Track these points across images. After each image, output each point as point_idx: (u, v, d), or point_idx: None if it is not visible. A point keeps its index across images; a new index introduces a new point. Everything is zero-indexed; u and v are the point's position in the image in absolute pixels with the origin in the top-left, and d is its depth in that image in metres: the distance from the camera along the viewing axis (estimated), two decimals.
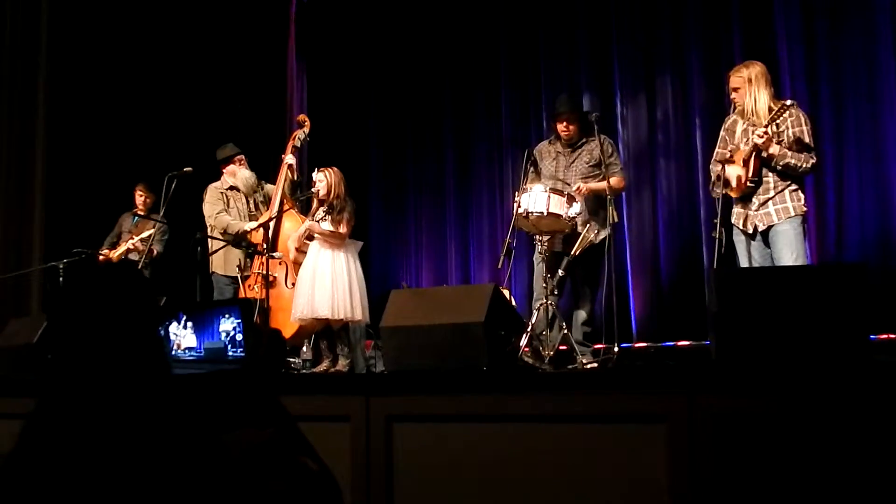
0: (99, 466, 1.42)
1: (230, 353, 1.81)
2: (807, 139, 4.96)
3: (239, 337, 1.84)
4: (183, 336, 1.84)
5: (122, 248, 6.97)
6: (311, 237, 5.85)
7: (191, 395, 1.56)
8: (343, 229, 5.70)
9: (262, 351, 1.74)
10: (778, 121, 4.92)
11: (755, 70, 5.08)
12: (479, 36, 8.89)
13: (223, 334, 1.83)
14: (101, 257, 6.97)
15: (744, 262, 5.11)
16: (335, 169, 5.88)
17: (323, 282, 5.61)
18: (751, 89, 5.05)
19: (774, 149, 4.90)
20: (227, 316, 1.84)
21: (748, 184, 5.01)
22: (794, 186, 4.99)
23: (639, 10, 8.04)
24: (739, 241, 5.15)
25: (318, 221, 5.74)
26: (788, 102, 4.94)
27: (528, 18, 8.63)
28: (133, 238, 6.95)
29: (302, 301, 5.66)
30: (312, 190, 6.03)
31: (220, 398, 1.65)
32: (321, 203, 5.81)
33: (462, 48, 8.99)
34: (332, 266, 5.64)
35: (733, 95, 5.15)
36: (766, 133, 4.87)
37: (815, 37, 7.13)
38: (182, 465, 1.44)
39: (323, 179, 5.79)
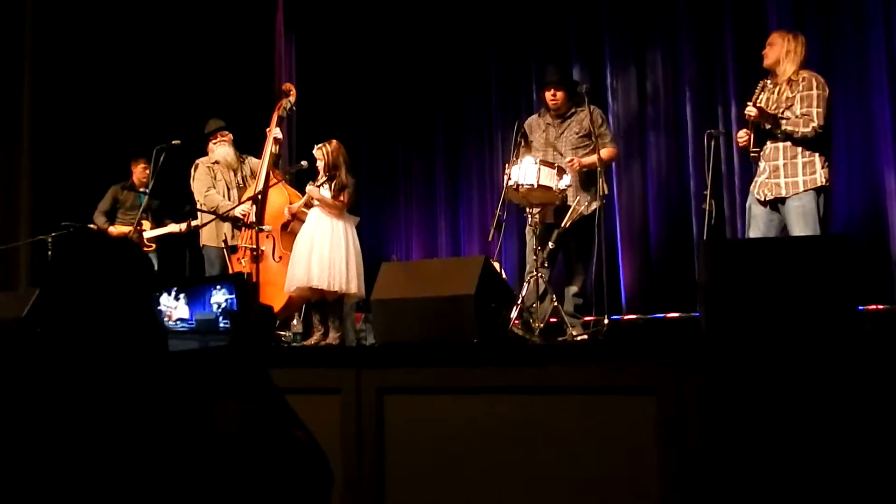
0: (89, 438, 1.42)
1: (221, 325, 1.82)
2: (813, 103, 4.92)
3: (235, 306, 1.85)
4: (175, 307, 1.85)
5: (164, 230, 6.90)
6: (309, 205, 5.80)
7: (181, 370, 1.57)
8: (343, 198, 5.66)
9: (251, 324, 1.74)
10: (791, 91, 4.96)
11: (796, 44, 5.09)
12: (470, 8, 8.83)
13: (214, 305, 1.84)
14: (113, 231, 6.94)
15: (753, 232, 5.10)
16: (333, 141, 5.80)
17: (321, 252, 5.55)
18: (783, 56, 5.07)
19: (771, 120, 4.94)
20: (218, 287, 1.85)
21: (751, 154, 5.08)
22: (807, 157, 4.91)
23: None
24: (748, 207, 5.17)
25: (318, 187, 5.68)
26: (805, 74, 4.98)
27: None
28: (180, 225, 6.84)
29: (299, 270, 5.61)
30: (302, 164, 6.00)
31: (209, 373, 1.65)
32: (320, 174, 5.75)
33: (452, 20, 8.92)
34: (331, 236, 5.59)
35: (766, 50, 5.17)
36: (753, 107, 4.94)
37: (805, 9, 7.10)
38: (173, 436, 1.44)
39: (321, 158, 5.73)
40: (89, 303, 1.53)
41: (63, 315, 1.53)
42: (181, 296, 1.83)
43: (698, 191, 7.14)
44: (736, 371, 2.89)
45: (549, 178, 5.27)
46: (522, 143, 5.73)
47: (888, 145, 6.64)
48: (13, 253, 7.19)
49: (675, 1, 7.75)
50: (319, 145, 5.78)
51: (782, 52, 5.05)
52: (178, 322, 1.82)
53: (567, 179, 5.36)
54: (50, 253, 6.57)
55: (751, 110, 4.96)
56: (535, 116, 5.98)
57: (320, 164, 5.72)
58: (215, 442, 1.48)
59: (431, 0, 8.96)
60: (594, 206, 5.54)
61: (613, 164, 6.60)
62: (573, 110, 5.77)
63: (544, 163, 5.34)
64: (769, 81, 5.13)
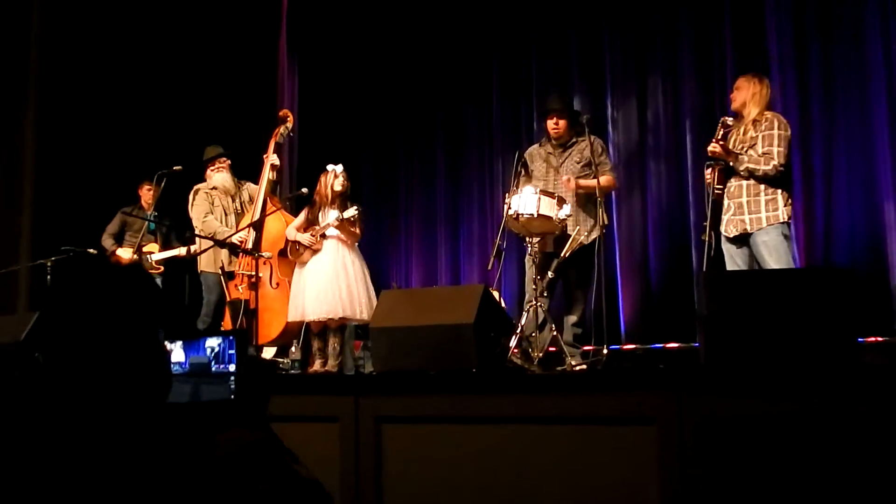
0: (88, 464, 1.41)
1: (214, 368, 1.87)
2: (774, 142, 5.06)
3: (227, 353, 1.90)
4: (171, 351, 1.90)
5: (170, 253, 6.92)
6: (323, 234, 5.78)
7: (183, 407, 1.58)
8: (358, 229, 5.74)
9: (251, 376, 1.78)
10: (755, 130, 5.11)
11: (761, 87, 5.26)
12: (471, 36, 8.90)
13: (208, 350, 1.89)
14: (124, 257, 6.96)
15: (728, 266, 5.18)
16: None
17: (348, 282, 5.65)
18: (749, 99, 5.23)
19: (732, 157, 5.10)
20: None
21: (716, 191, 5.19)
22: (770, 195, 5.06)
23: (630, 11, 8.05)
24: (723, 243, 5.24)
25: (344, 221, 5.68)
26: (769, 114, 5.16)
27: (519, 19, 8.63)
28: (180, 249, 6.88)
29: (325, 300, 5.62)
30: (303, 190, 6.01)
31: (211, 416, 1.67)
32: (334, 200, 5.76)
33: (454, 48, 8.99)
34: (353, 265, 5.71)
35: (733, 94, 5.34)
36: (716, 145, 5.10)
37: (806, 41, 7.15)
38: (173, 466, 1.43)
39: (348, 179, 5.80)
40: (90, 329, 1.53)
41: (64, 341, 1.53)
42: (178, 339, 1.88)
43: (698, 221, 7.14)
44: (737, 402, 2.88)
45: (549, 207, 5.27)
46: (523, 173, 5.74)
47: (888, 177, 6.65)
48: (13, 276, 7.19)
49: (676, 31, 7.80)
50: (343, 170, 5.81)
51: (748, 94, 5.25)
52: (174, 365, 1.86)
53: (567, 209, 5.35)
54: (49, 277, 6.57)
55: (714, 147, 5.14)
56: (535, 146, 6.00)
57: (344, 185, 5.77)
58: (216, 472, 1.47)
59: (434, 26, 9.03)
60: (594, 235, 5.55)
61: (613, 193, 6.61)
62: (574, 139, 5.78)
63: (544, 192, 5.35)
64: (729, 120, 5.31)
